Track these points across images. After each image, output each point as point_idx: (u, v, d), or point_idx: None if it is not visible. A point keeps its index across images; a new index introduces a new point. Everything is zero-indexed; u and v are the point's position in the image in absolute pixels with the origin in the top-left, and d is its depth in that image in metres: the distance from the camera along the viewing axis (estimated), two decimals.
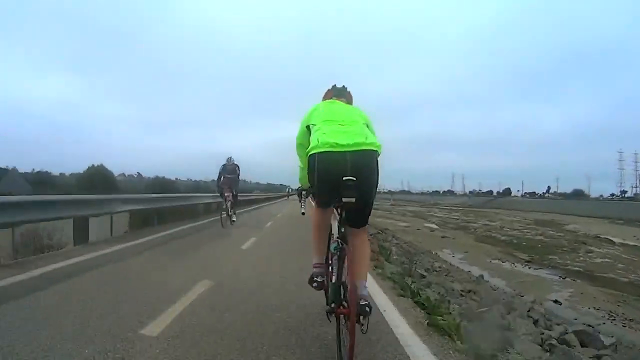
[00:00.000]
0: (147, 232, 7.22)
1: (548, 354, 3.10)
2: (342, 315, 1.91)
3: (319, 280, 2.10)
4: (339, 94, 2.54)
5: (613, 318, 7.24)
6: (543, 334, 4.14)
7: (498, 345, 2.60)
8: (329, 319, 1.99)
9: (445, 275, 7.69)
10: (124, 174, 65.94)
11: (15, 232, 4.41)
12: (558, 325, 5.51)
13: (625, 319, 7.22)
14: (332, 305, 1.88)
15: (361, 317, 1.80)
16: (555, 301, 8.17)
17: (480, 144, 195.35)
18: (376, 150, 1.99)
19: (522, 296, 8.02)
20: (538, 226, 27.43)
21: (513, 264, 12.29)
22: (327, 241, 2.25)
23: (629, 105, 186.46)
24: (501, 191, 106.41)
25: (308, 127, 2.24)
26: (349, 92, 2.59)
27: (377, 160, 2.02)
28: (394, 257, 6.93)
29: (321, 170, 1.97)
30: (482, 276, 8.85)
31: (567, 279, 10.72)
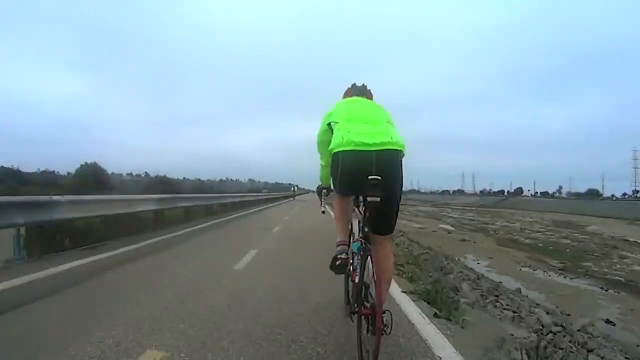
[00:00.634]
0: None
1: None
2: (363, 316, 1.89)
3: (343, 257, 2.06)
4: (359, 92, 2.50)
5: None
6: None
7: None
8: (351, 319, 2.05)
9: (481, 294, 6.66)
10: (131, 174, 65.84)
11: None
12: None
13: None
14: (354, 305, 1.94)
15: (383, 319, 1.73)
16: (608, 321, 7.08)
17: (490, 144, 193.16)
18: (401, 150, 2.00)
19: (569, 315, 7.02)
20: (558, 227, 26.10)
21: (546, 272, 11.16)
22: (350, 225, 2.38)
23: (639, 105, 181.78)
24: (512, 191, 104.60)
25: (329, 124, 2.20)
26: (369, 90, 2.56)
27: (402, 161, 2.01)
28: (419, 267, 5.96)
29: (346, 168, 1.97)
30: (519, 290, 7.79)
31: (609, 290, 9.57)
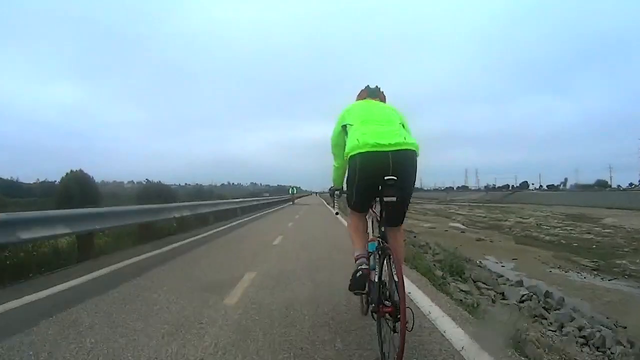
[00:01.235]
0: None
1: None
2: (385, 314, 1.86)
3: (364, 267, 2.01)
4: (372, 94, 2.50)
5: None
6: None
7: None
8: (373, 318, 1.99)
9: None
10: (132, 182, 65.10)
11: None
12: None
13: None
14: (373, 305, 1.91)
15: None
16: None
17: (493, 139, 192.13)
18: (415, 150, 2.01)
19: (625, 327, 6.01)
20: (574, 221, 24.99)
21: (579, 273, 10.11)
22: (366, 236, 2.29)
23: None
24: (518, 185, 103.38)
25: (344, 126, 2.24)
26: (382, 92, 2.55)
27: (416, 160, 2.02)
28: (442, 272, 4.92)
29: (363, 170, 1.98)
30: (563, 299, 6.76)
31: None
